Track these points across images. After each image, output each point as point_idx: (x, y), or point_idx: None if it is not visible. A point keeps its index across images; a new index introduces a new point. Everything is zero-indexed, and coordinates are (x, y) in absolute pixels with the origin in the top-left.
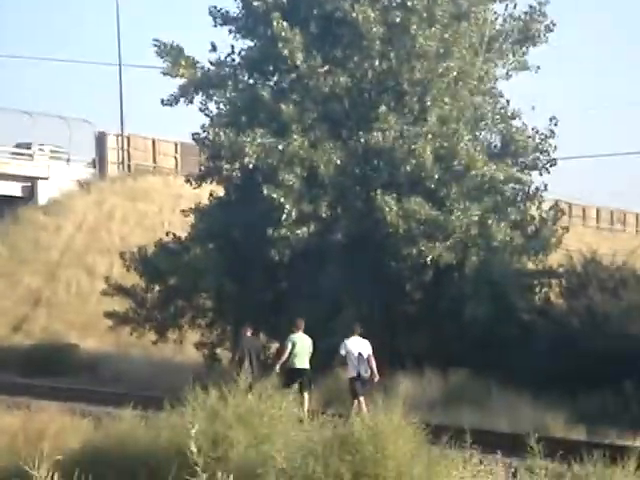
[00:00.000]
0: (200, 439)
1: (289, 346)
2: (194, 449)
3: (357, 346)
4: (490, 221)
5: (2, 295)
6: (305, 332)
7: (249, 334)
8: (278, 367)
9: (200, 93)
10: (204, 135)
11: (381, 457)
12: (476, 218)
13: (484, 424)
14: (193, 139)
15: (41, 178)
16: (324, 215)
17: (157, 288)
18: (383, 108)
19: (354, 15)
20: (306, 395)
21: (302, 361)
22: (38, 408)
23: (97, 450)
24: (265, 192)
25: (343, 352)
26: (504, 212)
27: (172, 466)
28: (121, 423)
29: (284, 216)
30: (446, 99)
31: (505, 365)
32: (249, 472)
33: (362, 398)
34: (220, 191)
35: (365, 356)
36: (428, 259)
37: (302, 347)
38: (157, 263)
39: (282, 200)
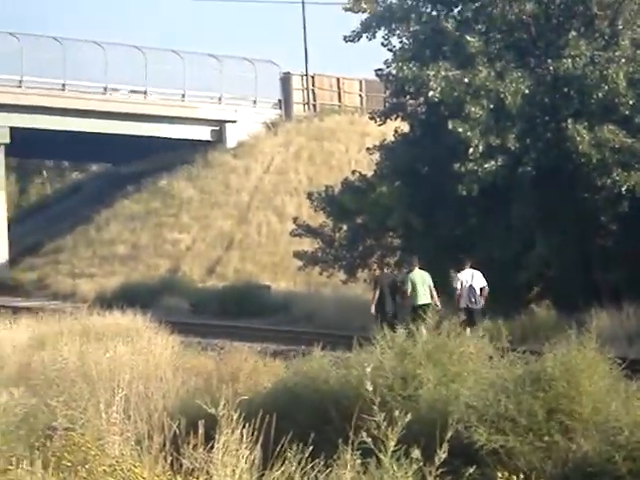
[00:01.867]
0: (389, 378)
1: (409, 285)
2: (370, 387)
3: (468, 277)
4: None
5: (196, 238)
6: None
7: (386, 270)
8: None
9: (382, 28)
10: (388, 71)
11: (575, 393)
12: None
13: None
14: (377, 75)
15: (229, 121)
16: (512, 148)
17: (345, 227)
18: (573, 34)
19: None
20: (423, 330)
21: (423, 297)
22: (232, 349)
23: (287, 390)
24: (451, 126)
25: (457, 285)
26: None
27: (359, 404)
28: (311, 362)
29: (471, 150)
30: (639, 21)
31: None
32: (440, 410)
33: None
34: (405, 127)
35: (477, 288)
36: (623, 189)
37: (422, 283)
38: (344, 202)
39: (469, 134)
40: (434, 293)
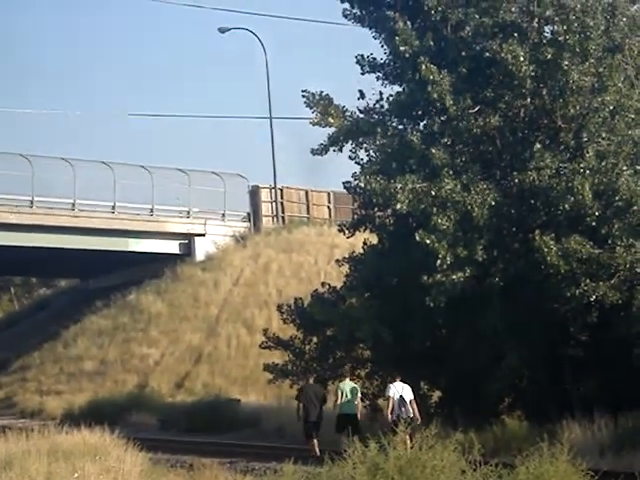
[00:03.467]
0: None
1: (338, 394)
2: None
3: (399, 389)
4: None
5: (165, 353)
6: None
7: (311, 381)
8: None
9: (350, 141)
10: (355, 183)
11: None
12: None
13: None
14: (345, 188)
15: (198, 235)
16: (480, 259)
17: (315, 339)
18: (538, 146)
19: (503, 55)
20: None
21: (347, 407)
22: (202, 466)
23: None
24: (418, 238)
25: (390, 393)
26: None
27: None
28: (283, 478)
29: (439, 262)
30: (603, 134)
31: None
32: None
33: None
34: (374, 239)
35: (407, 399)
36: (592, 299)
37: (351, 394)
38: (314, 314)
39: (436, 245)
40: (359, 404)
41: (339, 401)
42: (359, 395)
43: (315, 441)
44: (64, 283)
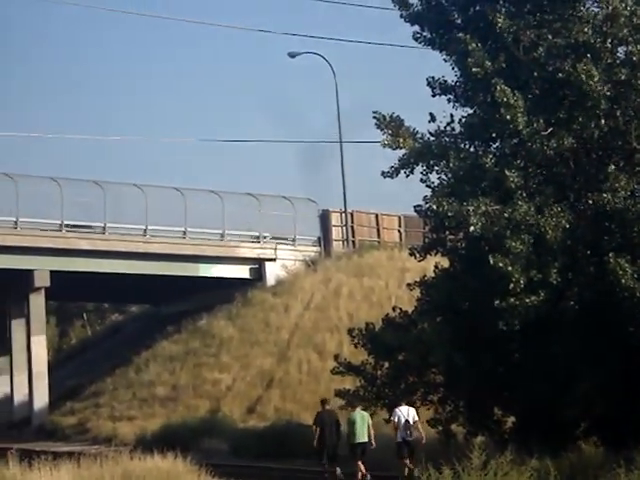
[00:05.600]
0: None
1: (396, 420)
2: None
3: (404, 413)
4: None
5: (236, 378)
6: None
7: (327, 407)
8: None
9: (420, 164)
10: (427, 206)
11: None
12: None
13: None
14: (415, 211)
15: (268, 259)
16: (554, 282)
17: (387, 365)
18: (612, 168)
19: (577, 75)
20: (407, 461)
21: (361, 436)
22: None
23: None
24: (492, 261)
25: (395, 418)
26: None
27: None
28: None
29: (512, 285)
30: None
31: None
32: None
33: (407, 460)
34: (445, 263)
35: (411, 422)
36: None
37: (362, 423)
38: (385, 339)
39: (510, 268)
40: (372, 432)
41: (350, 430)
42: (370, 422)
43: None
44: (136, 308)
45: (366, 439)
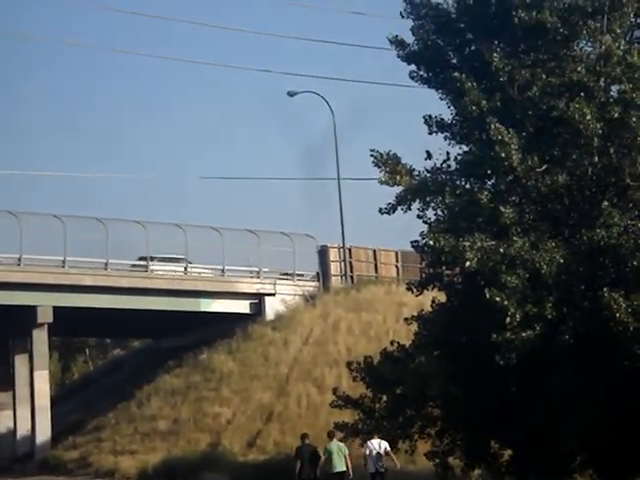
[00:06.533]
0: None
1: (326, 454)
2: None
3: (376, 446)
4: None
5: (236, 412)
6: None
7: (307, 441)
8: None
9: (417, 200)
10: (423, 242)
11: None
12: None
13: None
14: (412, 246)
15: (268, 294)
16: (550, 316)
17: (385, 398)
18: (605, 204)
19: (570, 113)
20: None
21: (338, 465)
22: None
23: None
24: (488, 295)
25: (366, 451)
26: None
27: None
28: None
29: (508, 319)
30: None
31: None
32: None
33: None
34: (442, 297)
35: (383, 454)
36: None
37: (338, 453)
38: (383, 372)
39: (505, 303)
40: (349, 462)
41: (328, 461)
42: (347, 453)
43: None
44: (137, 343)
45: (344, 468)
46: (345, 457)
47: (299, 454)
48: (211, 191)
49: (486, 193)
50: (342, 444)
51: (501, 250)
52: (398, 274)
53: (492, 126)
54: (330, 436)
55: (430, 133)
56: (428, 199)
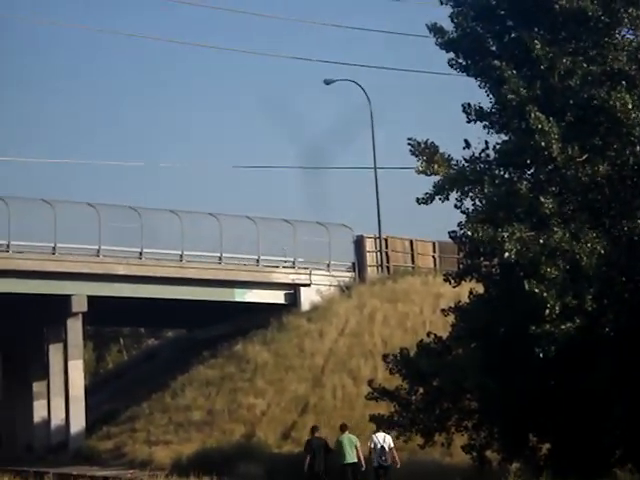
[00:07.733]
0: None
1: (372, 445)
2: None
3: (380, 440)
4: None
5: (271, 403)
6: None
7: (317, 434)
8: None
9: (455, 190)
10: (461, 232)
11: None
12: None
13: None
14: (450, 237)
15: (303, 285)
16: (589, 308)
17: (421, 390)
18: None
19: (611, 102)
20: None
21: (349, 457)
22: None
23: None
24: (527, 287)
25: (371, 444)
26: None
27: None
28: None
29: (547, 311)
30: None
31: None
32: None
33: None
34: (480, 288)
35: (387, 448)
36: None
37: (349, 445)
38: (419, 365)
39: (545, 295)
40: (360, 454)
41: (339, 452)
42: (358, 445)
43: None
44: (171, 333)
45: (355, 460)
46: (356, 448)
47: (309, 447)
48: (246, 181)
49: (525, 183)
50: (353, 436)
51: (541, 241)
52: (435, 265)
53: (532, 115)
54: (342, 429)
55: (469, 122)
56: (466, 189)
